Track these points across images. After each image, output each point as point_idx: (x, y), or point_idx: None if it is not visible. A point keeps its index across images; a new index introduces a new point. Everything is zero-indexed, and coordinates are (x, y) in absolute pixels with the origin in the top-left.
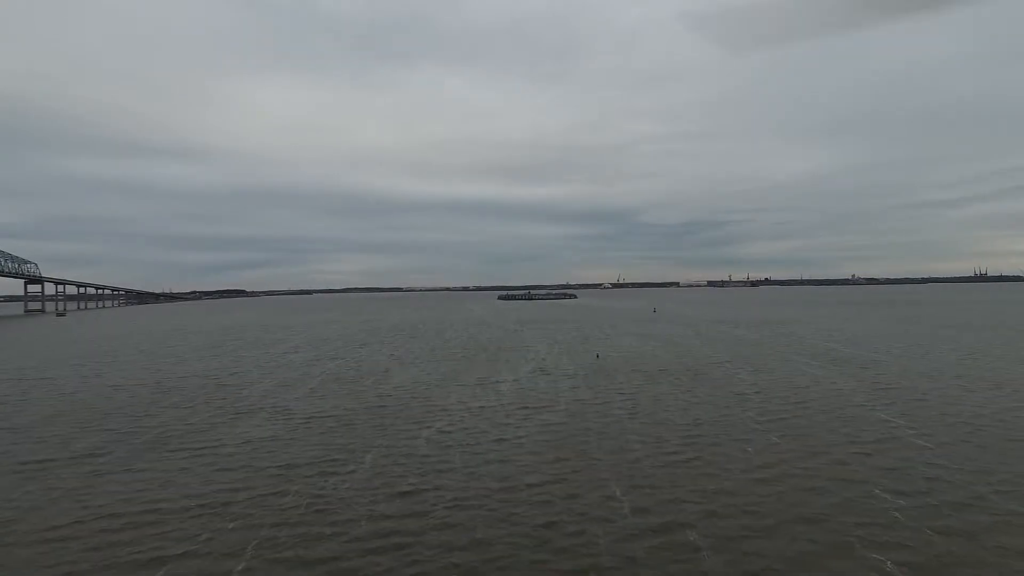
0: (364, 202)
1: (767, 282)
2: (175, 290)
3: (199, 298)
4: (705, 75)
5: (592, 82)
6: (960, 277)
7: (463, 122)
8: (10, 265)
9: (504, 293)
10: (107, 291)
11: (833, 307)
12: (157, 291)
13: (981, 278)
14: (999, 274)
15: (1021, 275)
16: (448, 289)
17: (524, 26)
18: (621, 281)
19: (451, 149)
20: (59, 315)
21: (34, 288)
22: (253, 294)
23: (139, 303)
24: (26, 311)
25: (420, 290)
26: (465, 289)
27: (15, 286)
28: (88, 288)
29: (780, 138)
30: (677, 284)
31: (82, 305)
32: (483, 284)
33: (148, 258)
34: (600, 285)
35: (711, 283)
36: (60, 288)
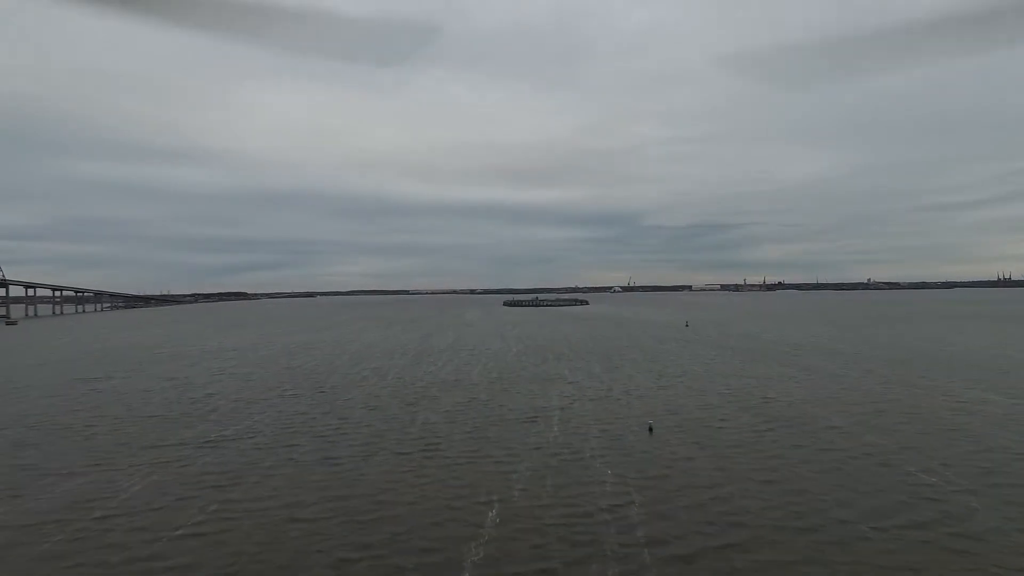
0: (371, 205)
1: (781, 286)
2: (182, 292)
3: (196, 301)
4: (711, 77)
5: (597, 85)
6: (982, 281)
7: (470, 126)
8: None
9: (510, 298)
10: (89, 295)
11: (935, 321)
12: (162, 293)
13: (1005, 282)
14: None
15: None
16: (455, 292)
17: (529, 31)
18: (631, 284)
19: (458, 152)
20: (9, 323)
21: None
22: (254, 296)
23: (127, 307)
24: None
25: (427, 293)
26: (472, 292)
27: None
28: (66, 292)
29: (788, 141)
30: (689, 288)
31: (58, 310)
32: (490, 287)
33: (157, 260)
34: (610, 288)
35: (724, 287)
36: (31, 291)
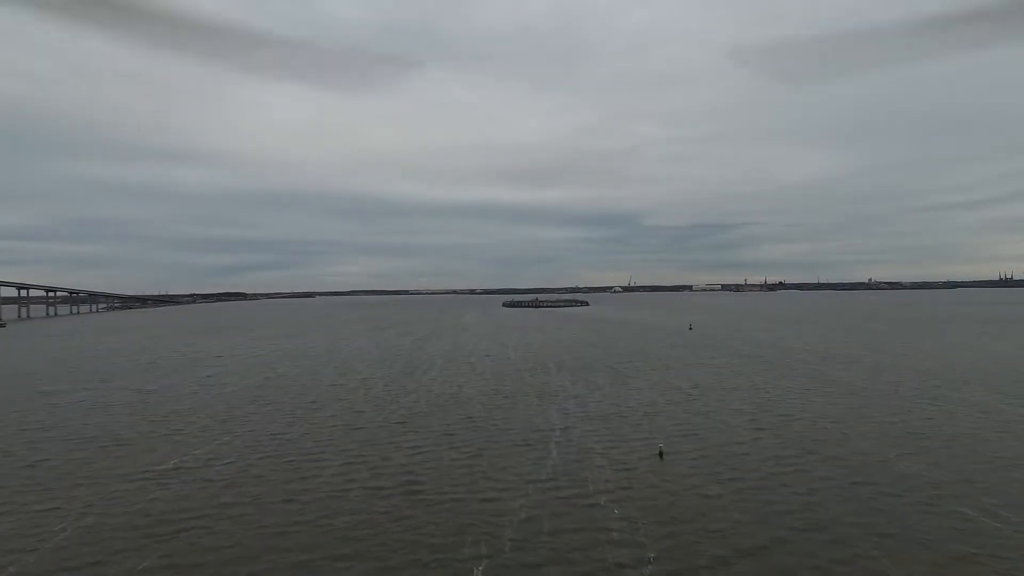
0: (371, 205)
1: (782, 286)
2: (182, 292)
3: (194, 301)
4: (713, 78)
5: (598, 85)
6: (984, 281)
7: (470, 126)
8: None
9: (510, 300)
10: (83, 295)
11: (945, 323)
12: (161, 293)
13: (1007, 282)
14: None
15: None
16: (455, 292)
17: (529, 31)
18: (632, 285)
19: (458, 153)
20: None
21: None
22: (252, 297)
23: (123, 308)
24: None
25: (427, 293)
26: (472, 292)
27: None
28: (60, 292)
29: (788, 141)
30: (690, 288)
31: (52, 311)
32: (491, 287)
33: (157, 260)
34: (611, 288)
35: (725, 287)
36: (24, 293)
